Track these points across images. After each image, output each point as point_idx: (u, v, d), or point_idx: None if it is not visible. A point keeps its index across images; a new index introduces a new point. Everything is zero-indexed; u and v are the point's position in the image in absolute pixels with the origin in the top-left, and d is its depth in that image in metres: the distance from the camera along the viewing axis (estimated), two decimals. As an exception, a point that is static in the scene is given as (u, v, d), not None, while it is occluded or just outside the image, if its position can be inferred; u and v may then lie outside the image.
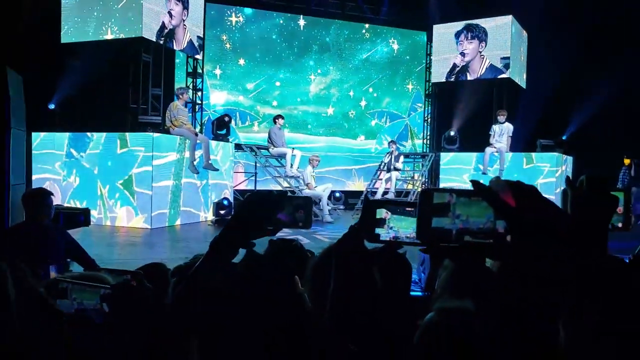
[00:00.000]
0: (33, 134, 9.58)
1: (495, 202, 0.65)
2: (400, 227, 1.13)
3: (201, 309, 1.05)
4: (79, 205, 8.97)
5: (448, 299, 1.22)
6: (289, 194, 9.00)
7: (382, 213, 1.14)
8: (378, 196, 11.95)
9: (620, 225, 1.05)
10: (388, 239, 1.14)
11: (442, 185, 12.00)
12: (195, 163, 9.68)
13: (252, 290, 1.11)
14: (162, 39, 10.43)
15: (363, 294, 1.10)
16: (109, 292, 1.08)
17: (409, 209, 1.14)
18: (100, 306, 1.10)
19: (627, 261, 2.66)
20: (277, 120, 11.61)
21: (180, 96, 9.85)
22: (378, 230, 1.14)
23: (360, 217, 1.16)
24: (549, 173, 11.03)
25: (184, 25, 10.99)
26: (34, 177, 9.54)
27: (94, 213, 8.27)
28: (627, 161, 13.01)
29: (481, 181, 0.68)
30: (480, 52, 13.29)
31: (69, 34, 10.56)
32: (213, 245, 1.06)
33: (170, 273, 1.82)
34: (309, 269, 1.26)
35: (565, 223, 0.64)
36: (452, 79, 13.81)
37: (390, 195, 11.82)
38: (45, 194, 3.94)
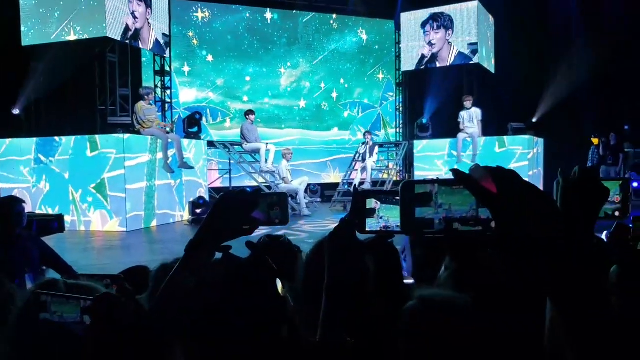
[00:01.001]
0: (-2, 140, 9.34)
1: (476, 189, 0.64)
2: (390, 217, 1.12)
3: (181, 313, 1.02)
4: (50, 212, 8.76)
5: (433, 288, 1.21)
6: (265, 190, 8.98)
7: (371, 203, 1.13)
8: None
9: (617, 214, 1.07)
10: (378, 228, 1.12)
11: (417, 173, 12.08)
12: (169, 162, 9.54)
13: (232, 295, 1.08)
14: (128, 41, 10.20)
15: (358, 286, 1.08)
16: (90, 303, 1.02)
17: (398, 198, 1.13)
18: (81, 318, 1.04)
19: (605, 238, 2.71)
20: (248, 116, 11.51)
21: (146, 97, 9.58)
22: (368, 221, 1.13)
23: (350, 209, 1.15)
24: (521, 156, 11.16)
25: (149, 23, 10.76)
26: (1, 185, 9.28)
27: (67, 219, 8.09)
28: (595, 141, 13.31)
29: (460, 168, 0.67)
30: (448, 40, 13.35)
31: (29, 36, 10.20)
32: (188, 249, 1.04)
33: (151, 275, 1.76)
34: (301, 266, 1.24)
35: (548, 204, 0.63)
36: (422, 68, 13.87)
37: (367, 186, 11.85)
38: (14, 202, 3.81)
